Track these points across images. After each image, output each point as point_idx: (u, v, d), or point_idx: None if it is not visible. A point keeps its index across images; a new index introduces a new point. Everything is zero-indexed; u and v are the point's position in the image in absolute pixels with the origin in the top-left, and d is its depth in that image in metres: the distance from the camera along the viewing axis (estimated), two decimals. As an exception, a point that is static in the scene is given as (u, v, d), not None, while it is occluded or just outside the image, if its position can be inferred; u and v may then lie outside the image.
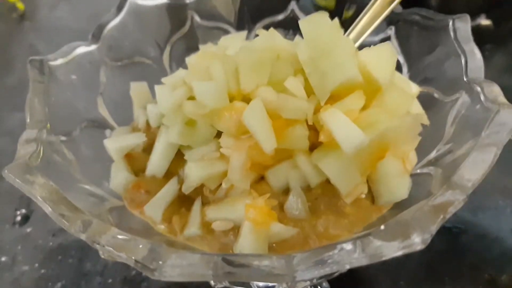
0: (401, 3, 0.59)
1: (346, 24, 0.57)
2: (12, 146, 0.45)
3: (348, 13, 0.65)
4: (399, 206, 0.47)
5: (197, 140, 0.49)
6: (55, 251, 0.61)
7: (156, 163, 0.52)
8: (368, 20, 0.58)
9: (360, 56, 0.49)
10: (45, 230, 0.64)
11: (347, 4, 0.65)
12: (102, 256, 0.38)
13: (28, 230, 0.64)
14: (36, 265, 0.60)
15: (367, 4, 0.59)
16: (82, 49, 0.57)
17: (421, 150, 0.51)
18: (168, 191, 0.49)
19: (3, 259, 0.61)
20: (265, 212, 0.42)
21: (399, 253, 0.33)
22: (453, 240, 0.59)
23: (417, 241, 0.31)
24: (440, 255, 0.57)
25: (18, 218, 0.65)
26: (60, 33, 1.00)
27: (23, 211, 0.66)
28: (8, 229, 0.64)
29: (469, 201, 0.60)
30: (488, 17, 0.92)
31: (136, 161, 0.53)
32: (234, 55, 0.50)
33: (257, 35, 0.53)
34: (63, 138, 0.50)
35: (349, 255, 0.34)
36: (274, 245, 0.44)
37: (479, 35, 0.90)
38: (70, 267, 0.60)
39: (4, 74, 0.92)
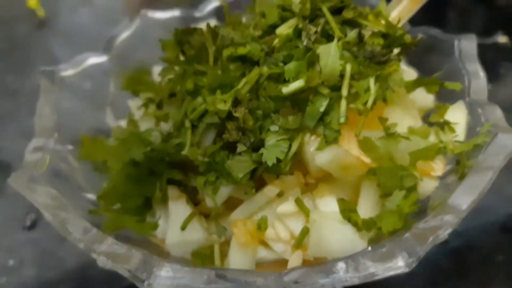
0: (418, 17, 0.58)
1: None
2: (27, 149, 0.48)
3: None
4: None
5: None
6: (61, 256, 0.62)
7: None
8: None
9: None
10: (53, 235, 0.64)
11: None
12: (100, 265, 0.39)
13: (37, 234, 0.65)
14: (42, 269, 0.61)
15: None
16: (93, 60, 0.59)
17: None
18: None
19: (11, 262, 0.62)
20: (250, 233, 0.42)
21: (387, 274, 0.33)
22: (458, 260, 0.58)
23: (401, 265, 0.31)
24: (445, 275, 0.56)
25: (28, 222, 0.67)
26: (79, 39, 1.00)
27: (33, 215, 0.67)
28: (18, 232, 0.65)
29: (477, 221, 0.59)
30: (505, 34, 0.91)
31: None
32: None
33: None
34: (70, 147, 0.51)
35: (339, 274, 0.34)
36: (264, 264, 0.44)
37: (496, 52, 0.89)
38: (75, 273, 0.60)
39: (23, 79, 0.94)
